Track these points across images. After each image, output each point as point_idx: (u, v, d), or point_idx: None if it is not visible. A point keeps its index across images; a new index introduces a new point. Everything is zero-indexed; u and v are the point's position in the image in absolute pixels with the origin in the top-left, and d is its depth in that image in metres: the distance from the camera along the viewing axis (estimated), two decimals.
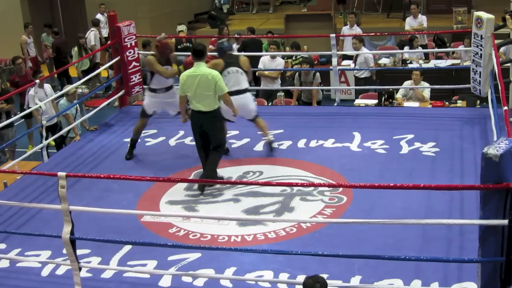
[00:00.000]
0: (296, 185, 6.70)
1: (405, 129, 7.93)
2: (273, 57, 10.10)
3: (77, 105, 9.06)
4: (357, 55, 10.69)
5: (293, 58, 11.42)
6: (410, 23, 12.57)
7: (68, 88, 8.98)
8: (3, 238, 5.95)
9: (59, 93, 9.25)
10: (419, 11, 12.67)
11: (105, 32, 14.61)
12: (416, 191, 5.70)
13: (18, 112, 9.81)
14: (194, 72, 6.64)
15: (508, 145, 3.99)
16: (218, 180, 6.63)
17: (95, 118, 9.17)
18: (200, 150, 6.87)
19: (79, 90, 10.27)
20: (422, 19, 12.51)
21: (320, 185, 6.77)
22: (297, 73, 9.86)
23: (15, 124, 9.50)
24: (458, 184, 5.75)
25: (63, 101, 8.90)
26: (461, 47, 11.48)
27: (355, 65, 10.97)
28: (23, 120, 10.11)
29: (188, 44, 11.87)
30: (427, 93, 9.46)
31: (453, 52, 11.81)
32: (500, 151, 3.92)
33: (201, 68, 6.65)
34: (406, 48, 11.70)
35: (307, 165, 7.17)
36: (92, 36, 13.84)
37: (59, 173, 4.89)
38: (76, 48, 13.23)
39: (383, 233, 5.49)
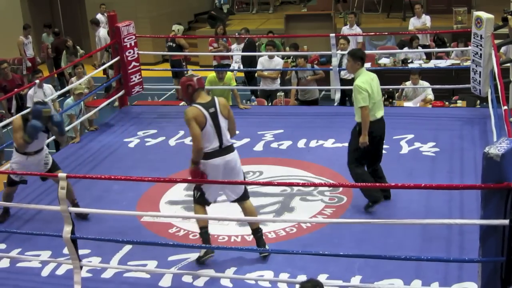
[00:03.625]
0: (296, 185, 6.70)
1: (405, 129, 7.93)
2: (271, 57, 10.10)
3: (82, 106, 8.98)
4: (342, 56, 10.18)
5: (291, 58, 11.44)
6: (413, 23, 12.57)
7: (73, 85, 8.96)
8: (3, 238, 5.95)
9: (59, 92, 9.25)
10: (423, 11, 12.65)
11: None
12: (416, 191, 5.70)
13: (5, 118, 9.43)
14: (369, 76, 5.90)
15: (509, 145, 3.99)
16: (219, 181, 6.58)
17: (95, 118, 9.16)
18: (365, 164, 6.12)
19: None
20: (426, 19, 12.52)
21: (320, 185, 6.77)
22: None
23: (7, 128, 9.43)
24: (458, 184, 5.72)
25: (69, 99, 8.89)
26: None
27: (341, 66, 10.41)
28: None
29: (171, 44, 11.99)
30: (430, 93, 9.43)
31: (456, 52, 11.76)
32: (502, 151, 3.93)
33: (369, 72, 6.02)
34: (406, 48, 11.67)
35: (307, 165, 7.17)
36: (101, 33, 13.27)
37: (60, 174, 4.89)
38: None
39: (383, 233, 5.48)
